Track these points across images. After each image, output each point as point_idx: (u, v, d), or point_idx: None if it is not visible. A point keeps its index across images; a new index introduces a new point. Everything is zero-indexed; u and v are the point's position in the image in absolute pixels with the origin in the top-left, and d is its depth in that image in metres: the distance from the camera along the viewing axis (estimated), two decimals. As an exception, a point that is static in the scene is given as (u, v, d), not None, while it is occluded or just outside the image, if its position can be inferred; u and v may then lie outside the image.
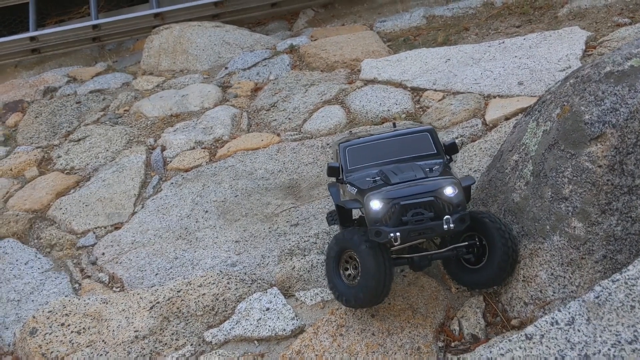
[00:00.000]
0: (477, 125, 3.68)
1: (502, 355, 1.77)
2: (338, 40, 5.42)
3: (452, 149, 2.55)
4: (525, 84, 3.89)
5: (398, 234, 2.16)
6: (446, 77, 4.26)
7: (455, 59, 4.49)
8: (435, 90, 4.18)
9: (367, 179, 2.40)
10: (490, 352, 1.76)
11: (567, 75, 2.66)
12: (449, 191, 2.20)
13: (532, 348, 1.77)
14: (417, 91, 4.27)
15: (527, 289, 2.30)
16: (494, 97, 3.90)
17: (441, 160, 2.49)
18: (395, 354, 2.26)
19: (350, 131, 3.19)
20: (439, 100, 4.04)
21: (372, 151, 2.58)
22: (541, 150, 2.39)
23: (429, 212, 2.18)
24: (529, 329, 1.81)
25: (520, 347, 1.79)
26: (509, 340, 1.80)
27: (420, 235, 2.20)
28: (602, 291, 1.81)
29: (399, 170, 2.37)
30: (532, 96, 3.75)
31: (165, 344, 2.56)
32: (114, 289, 3.12)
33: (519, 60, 4.19)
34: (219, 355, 2.47)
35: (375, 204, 2.21)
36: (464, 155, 3.43)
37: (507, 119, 3.63)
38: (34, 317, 2.69)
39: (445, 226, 2.16)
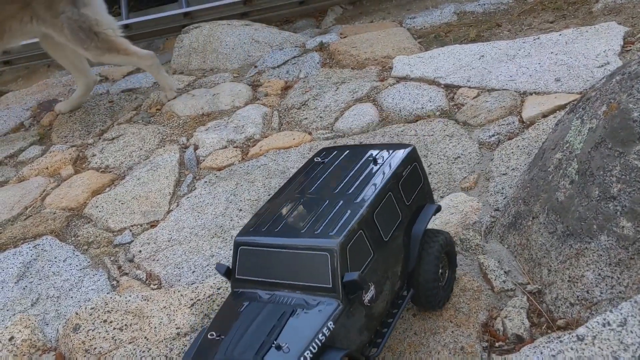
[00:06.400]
0: (513, 122, 3.63)
1: (554, 356, 1.74)
2: (368, 37, 5.40)
3: (352, 287, 1.77)
4: (562, 81, 3.83)
5: None
6: (480, 73, 4.22)
7: (489, 56, 4.43)
8: (469, 87, 4.14)
9: (211, 335, 1.86)
10: (542, 352, 1.73)
11: (611, 72, 2.60)
12: None
13: (584, 349, 1.74)
14: (451, 88, 4.23)
15: (573, 289, 2.26)
16: (531, 94, 3.85)
17: (334, 304, 1.77)
18: (438, 353, 2.24)
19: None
20: (474, 98, 3.99)
21: (265, 262, 1.93)
22: (587, 148, 2.34)
23: None
24: (580, 330, 1.78)
25: (571, 349, 1.76)
26: (560, 342, 1.77)
27: None
28: (656, 292, 1.77)
29: (245, 329, 1.81)
30: (570, 93, 3.69)
31: (206, 341, 2.58)
32: (152, 286, 3.15)
33: (555, 56, 4.12)
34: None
35: None
36: (501, 154, 3.39)
37: (544, 116, 3.58)
38: (76, 314, 2.73)
39: None
